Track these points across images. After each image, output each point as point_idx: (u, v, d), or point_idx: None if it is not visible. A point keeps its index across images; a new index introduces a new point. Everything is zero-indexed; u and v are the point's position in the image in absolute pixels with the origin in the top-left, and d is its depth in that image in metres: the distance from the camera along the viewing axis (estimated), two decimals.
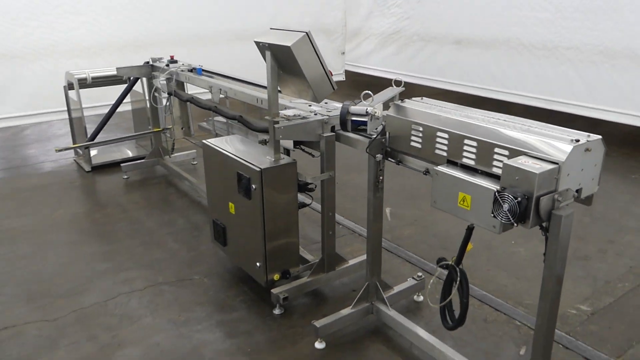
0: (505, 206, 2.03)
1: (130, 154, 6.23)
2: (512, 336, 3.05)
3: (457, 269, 2.51)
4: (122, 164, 5.67)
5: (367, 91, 2.54)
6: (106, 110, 5.63)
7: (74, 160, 6.16)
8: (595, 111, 6.18)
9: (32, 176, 5.74)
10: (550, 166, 2.01)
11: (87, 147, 5.67)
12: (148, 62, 5.49)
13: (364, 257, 3.63)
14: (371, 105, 2.53)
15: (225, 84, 4.28)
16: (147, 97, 5.65)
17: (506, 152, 2.20)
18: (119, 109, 6.52)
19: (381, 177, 2.84)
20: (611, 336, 3.05)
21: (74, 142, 6.09)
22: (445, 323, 2.62)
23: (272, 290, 3.29)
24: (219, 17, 7.60)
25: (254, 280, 3.48)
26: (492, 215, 2.10)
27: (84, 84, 5.64)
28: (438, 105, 2.70)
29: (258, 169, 3.07)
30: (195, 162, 5.99)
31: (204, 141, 3.63)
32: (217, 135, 4.35)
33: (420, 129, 2.55)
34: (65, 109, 6.17)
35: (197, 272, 3.78)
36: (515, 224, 2.03)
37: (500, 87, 7.15)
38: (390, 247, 4.06)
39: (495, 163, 2.24)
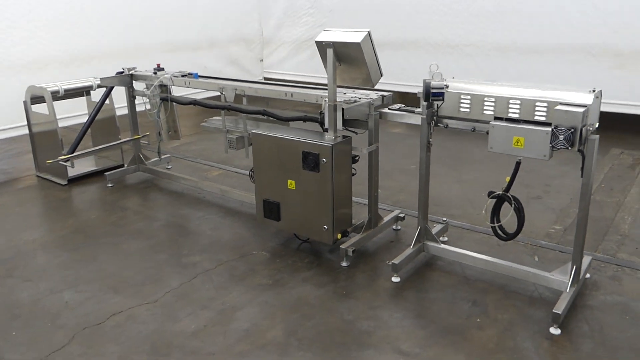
0: (561, 137, 3.03)
1: (95, 165, 6.26)
2: (526, 250, 4.11)
3: (508, 195, 3.48)
4: (106, 173, 5.77)
5: (433, 63, 3.40)
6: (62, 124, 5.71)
7: (37, 175, 6.05)
8: None
9: (5, 194, 5.56)
10: (583, 109, 3.05)
11: (70, 159, 5.64)
12: (121, 72, 5.69)
13: (394, 213, 4.49)
14: (442, 81, 3.40)
15: (239, 84, 4.79)
16: (127, 105, 5.80)
17: (545, 104, 3.20)
18: (67, 123, 6.58)
19: (431, 140, 3.71)
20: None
21: (34, 156, 5.99)
22: (500, 237, 3.58)
23: (341, 246, 3.97)
24: (153, 30, 7.82)
25: (308, 247, 4.12)
26: (551, 145, 3.09)
27: (55, 96, 5.64)
28: (468, 81, 3.64)
29: (329, 145, 3.75)
30: (170, 167, 6.24)
31: (253, 131, 4.17)
32: (227, 132, 4.86)
33: (469, 97, 3.47)
34: (15, 125, 6.07)
35: (252, 249, 4.28)
36: (569, 148, 3.04)
37: (412, 81, 8.41)
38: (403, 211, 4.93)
39: (537, 113, 3.24)
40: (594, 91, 3.15)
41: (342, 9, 9.06)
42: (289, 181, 4.03)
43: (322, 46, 3.73)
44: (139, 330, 3.29)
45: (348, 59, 3.71)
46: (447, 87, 3.38)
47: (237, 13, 8.98)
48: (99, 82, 5.97)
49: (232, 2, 8.84)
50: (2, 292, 3.74)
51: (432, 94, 3.33)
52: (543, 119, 3.20)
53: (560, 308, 3.15)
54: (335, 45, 3.66)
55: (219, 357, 3.03)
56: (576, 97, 3.13)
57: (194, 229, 4.68)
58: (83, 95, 6.23)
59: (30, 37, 6.51)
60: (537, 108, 3.23)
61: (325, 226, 3.94)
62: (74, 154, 5.49)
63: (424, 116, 3.60)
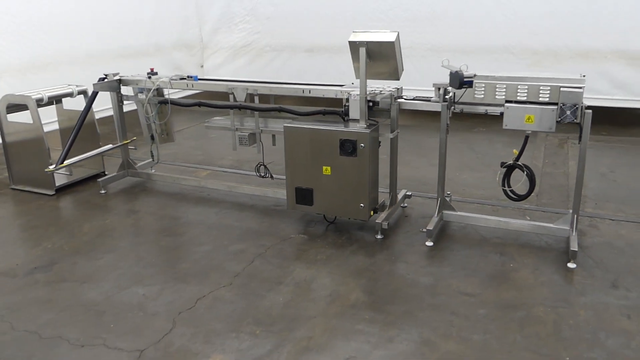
0: (568, 112, 3.88)
1: (71, 173, 6.11)
2: (515, 213, 4.95)
3: (519, 163, 4.27)
4: (98, 180, 5.71)
5: (463, 64, 4.07)
6: None
7: (13, 188, 5.78)
8: (425, 92, 8.68)
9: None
10: (581, 90, 3.92)
11: (69, 166, 5.49)
12: (104, 78, 5.68)
13: (402, 192, 5.11)
14: (469, 71, 4.08)
15: (248, 84, 5.11)
16: (114, 110, 5.79)
17: (548, 88, 4.03)
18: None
19: (448, 123, 4.39)
20: (553, 203, 5.23)
21: (8, 168, 5.73)
22: (512, 198, 4.36)
23: (376, 221, 4.50)
24: (103, 37, 7.69)
25: (335, 227, 4.62)
26: (558, 120, 3.92)
27: (39, 104, 5.48)
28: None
29: (367, 132, 4.28)
30: (153, 170, 6.28)
31: (285, 125, 4.55)
32: (236, 130, 5.18)
33: (483, 84, 4.21)
34: None
35: (288, 234, 4.65)
36: (574, 120, 3.88)
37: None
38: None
39: (541, 95, 4.06)
40: (584, 76, 4.04)
41: (278, 17, 9.53)
42: (324, 167, 4.48)
43: (355, 45, 4.25)
44: (232, 308, 3.55)
45: (378, 56, 4.26)
46: (475, 75, 4.08)
47: (180, 18, 9.06)
48: (79, 89, 5.92)
49: (174, 8, 8.91)
50: (68, 295, 3.75)
51: (465, 82, 4.01)
52: (547, 99, 4.03)
53: (575, 247, 3.99)
54: (369, 45, 4.19)
55: (320, 319, 3.42)
56: (572, 81, 4.00)
57: (218, 222, 4.91)
58: (53, 104, 6.06)
59: None
60: (541, 91, 4.06)
61: (362, 204, 4.45)
62: (71, 160, 5.37)
63: (445, 103, 4.28)
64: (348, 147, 4.35)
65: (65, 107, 6.11)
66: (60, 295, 3.75)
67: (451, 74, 4.04)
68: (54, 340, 3.24)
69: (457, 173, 6.04)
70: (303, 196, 4.64)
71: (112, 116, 5.95)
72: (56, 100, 5.96)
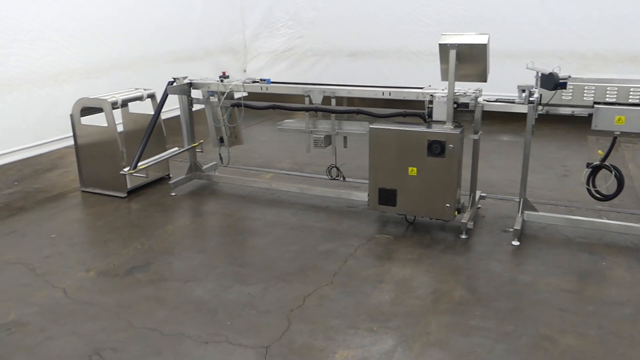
0: None
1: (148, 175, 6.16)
2: (589, 214, 5.00)
3: (607, 164, 4.34)
4: (170, 182, 5.78)
5: (556, 66, 4.15)
6: None
7: (83, 190, 5.86)
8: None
9: (68, 210, 5.34)
10: None
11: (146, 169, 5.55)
12: (172, 82, 5.75)
13: (478, 193, 5.16)
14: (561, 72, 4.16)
15: (325, 87, 5.18)
16: (183, 113, 5.86)
17: (639, 89, 4.10)
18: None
19: (534, 124, 4.46)
20: (624, 204, 5.29)
21: (79, 171, 5.82)
22: (597, 198, 4.42)
23: (462, 221, 4.56)
24: (154, 41, 7.78)
25: (416, 227, 4.69)
26: None
27: (113, 107, 5.58)
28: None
29: (457, 133, 4.35)
30: (216, 174, 6.36)
31: (371, 126, 4.63)
32: (311, 132, 5.25)
33: (572, 86, 4.27)
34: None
35: (372, 234, 4.71)
36: None
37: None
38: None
39: (631, 96, 4.13)
40: None
41: (321, 21, 9.62)
42: (410, 168, 4.55)
43: (445, 48, 4.32)
44: (343, 305, 3.62)
45: (468, 59, 4.34)
46: (569, 77, 4.15)
47: (225, 22, 9.17)
48: (148, 92, 6.01)
49: (220, 12, 9.01)
50: (175, 293, 3.82)
51: (559, 84, 4.07)
52: (637, 100, 4.10)
53: None
54: (460, 47, 4.27)
55: (432, 315, 3.48)
56: None
57: (298, 223, 4.97)
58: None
59: (57, 48, 6.28)
60: (631, 92, 4.13)
61: (447, 205, 4.51)
62: (146, 161, 5.43)
63: (531, 104, 4.36)
64: (436, 148, 4.42)
65: (130, 111, 6.19)
66: (168, 293, 3.81)
67: (545, 76, 4.11)
68: (176, 337, 3.31)
69: (519, 175, 6.09)
70: (386, 197, 4.70)
71: (170, 119, 6.03)
72: (123, 103, 6.05)
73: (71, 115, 5.70)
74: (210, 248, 4.52)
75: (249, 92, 5.68)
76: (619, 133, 4.27)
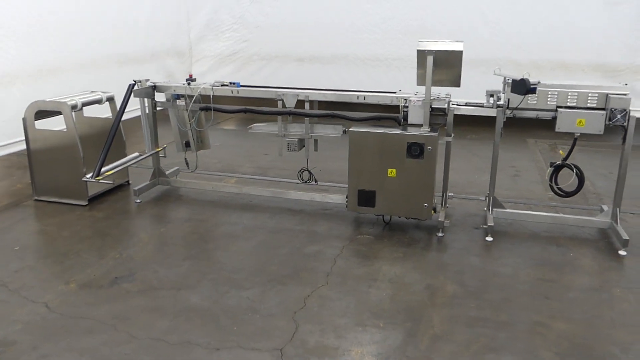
0: (618, 115, 4.37)
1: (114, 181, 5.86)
2: (554, 209, 5.41)
3: (568, 163, 4.72)
4: (135, 189, 5.54)
5: (526, 72, 4.45)
6: None
7: (37, 199, 5.49)
8: None
9: (26, 220, 4.98)
10: (627, 96, 4.43)
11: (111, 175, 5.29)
12: (133, 84, 5.56)
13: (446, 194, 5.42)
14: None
15: (299, 91, 5.22)
16: (145, 117, 5.65)
17: (597, 95, 4.51)
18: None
19: (502, 127, 4.76)
20: (573, 200, 5.76)
21: (32, 179, 5.45)
22: (560, 194, 4.79)
23: (439, 219, 4.77)
24: (101, 43, 7.44)
25: (392, 226, 4.87)
26: (608, 123, 4.40)
27: (75, 110, 5.28)
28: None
29: (434, 135, 4.55)
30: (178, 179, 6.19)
31: (352, 129, 4.73)
32: (284, 136, 5.29)
33: (537, 92, 4.61)
34: None
35: (353, 235, 4.80)
36: (623, 123, 4.37)
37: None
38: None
39: (589, 101, 4.53)
40: (626, 84, 4.56)
41: (268, 26, 9.62)
42: (389, 170, 4.70)
43: (423, 54, 4.52)
44: (344, 304, 3.67)
45: (444, 64, 4.56)
46: (539, 82, 4.47)
47: (172, 24, 8.92)
48: (107, 95, 5.75)
49: (167, 13, 8.77)
50: (171, 301, 3.70)
51: (530, 89, 4.38)
52: (594, 104, 4.51)
53: (625, 235, 4.47)
54: (437, 53, 4.48)
55: (432, 309, 3.63)
56: (617, 89, 4.50)
57: (278, 226, 4.97)
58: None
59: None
60: (589, 97, 4.53)
61: (425, 204, 4.71)
62: (109, 167, 5.18)
63: (499, 108, 4.66)
64: (415, 150, 4.60)
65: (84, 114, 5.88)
66: (163, 302, 3.68)
67: (516, 81, 4.41)
68: (185, 346, 3.21)
69: (475, 176, 6.46)
70: (366, 198, 4.82)
71: (123, 121, 5.76)
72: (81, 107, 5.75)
73: (24, 119, 5.33)
74: (196, 254, 4.41)
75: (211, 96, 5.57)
76: (578, 134, 4.66)
